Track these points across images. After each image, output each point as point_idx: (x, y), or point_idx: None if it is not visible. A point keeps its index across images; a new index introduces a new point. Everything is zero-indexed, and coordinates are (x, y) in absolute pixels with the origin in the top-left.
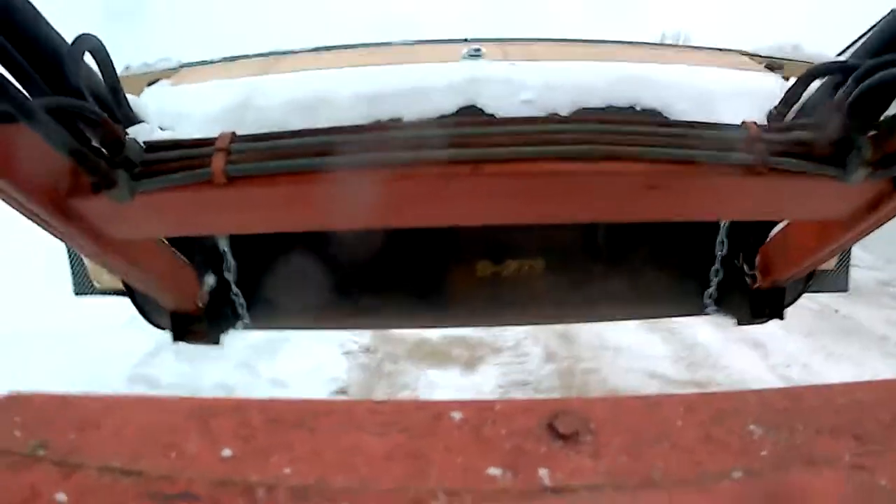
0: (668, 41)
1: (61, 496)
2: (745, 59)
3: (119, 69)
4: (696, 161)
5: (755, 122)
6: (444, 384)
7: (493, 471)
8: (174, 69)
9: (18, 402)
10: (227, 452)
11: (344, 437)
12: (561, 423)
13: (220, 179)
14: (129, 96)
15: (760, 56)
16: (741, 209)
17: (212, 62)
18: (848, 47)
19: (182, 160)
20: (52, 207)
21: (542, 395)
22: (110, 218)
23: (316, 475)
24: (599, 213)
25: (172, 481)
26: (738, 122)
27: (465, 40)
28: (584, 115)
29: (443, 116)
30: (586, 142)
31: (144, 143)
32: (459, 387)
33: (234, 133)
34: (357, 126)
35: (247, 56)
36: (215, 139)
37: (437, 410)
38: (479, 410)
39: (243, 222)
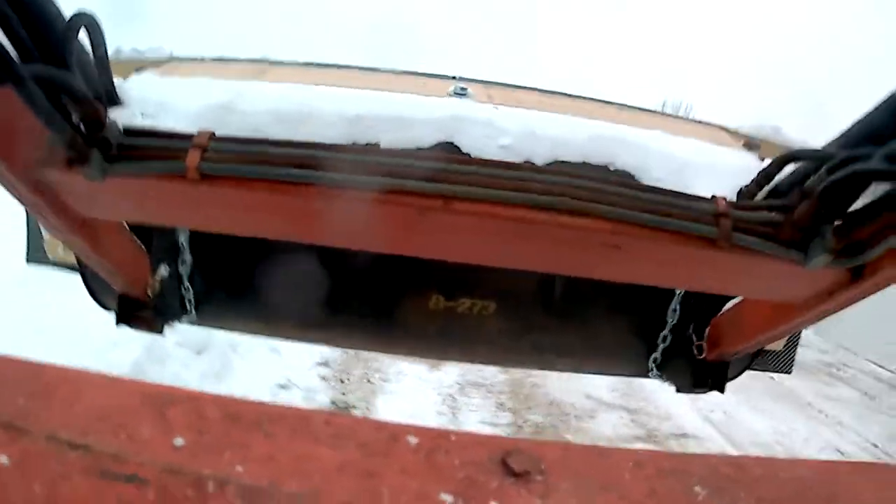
0: (669, 110)
1: (3, 458)
2: (724, 134)
3: (110, 52)
4: (661, 228)
5: (724, 198)
6: (411, 374)
7: (445, 497)
8: (164, 60)
9: None
10: (179, 441)
11: (299, 444)
12: (514, 461)
13: (193, 175)
14: (115, 79)
15: (740, 133)
16: (699, 281)
17: (202, 59)
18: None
19: (158, 150)
20: (24, 175)
21: (492, 395)
22: (79, 195)
23: (268, 478)
24: (560, 265)
25: (121, 461)
26: (709, 195)
27: (454, 78)
28: (559, 168)
29: (419, 148)
30: (557, 193)
31: (124, 127)
32: (424, 378)
33: (213, 132)
34: (336, 145)
35: (238, 60)
36: (194, 135)
37: (392, 432)
38: (434, 437)
39: (209, 221)
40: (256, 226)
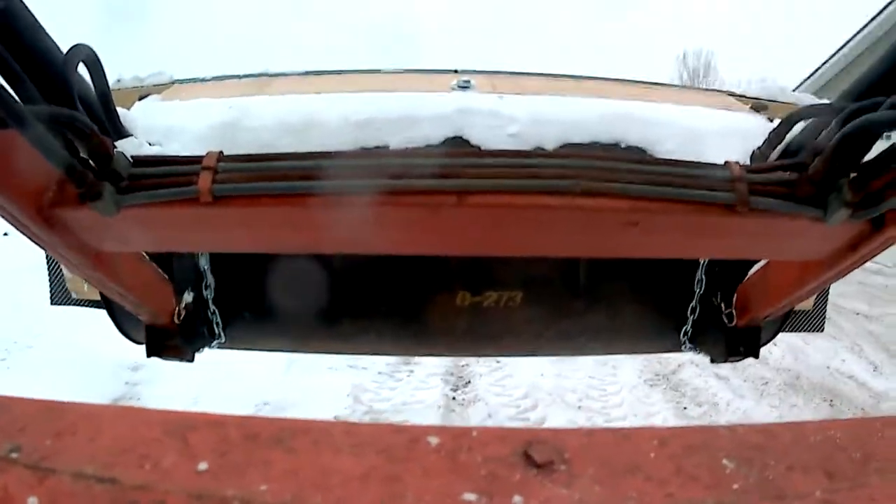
0: (691, 59)
1: (33, 500)
2: (732, 99)
3: (111, 81)
4: (678, 199)
5: (738, 162)
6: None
7: (469, 496)
8: (166, 84)
9: None
10: (203, 466)
11: (320, 456)
12: (536, 452)
13: (206, 198)
14: (119, 109)
15: (747, 97)
16: (721, 248)
17: (203, 80)
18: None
19: (169, 176)
20: (37, 216)
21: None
22: (94, 230)
23: (292, 493)
24: (580, 248)
25: (147, 491)
26: (722, 161)
27: (456, 71)
28: (569, 150)
29: (429, 146)
30: (569, 176)
31: (132, 157)
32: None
33: (221, 152)
34: (345, 152)
35: (238, 76)
36: (202, 157)
37: (413, 435)
38: (455, 436)
39: (227, 241)
40: (273, 242)
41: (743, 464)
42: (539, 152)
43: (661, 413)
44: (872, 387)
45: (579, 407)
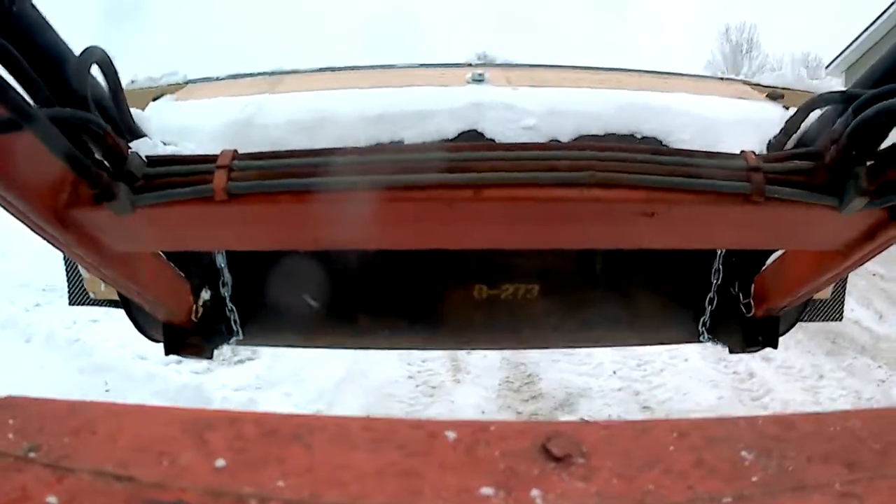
0: (733, 33)
1: (52, 499)
2: (747, 88)
3: (125, 82)
4: (694, 189)
5: (753, 152)
6: None
7: (486, 490)
8: (179, 84)
9: (14, 406)
10: (220, 463)
11: (337, 452)
12: (554, 446)
13: (221, 196)
14: (133, 110)
15: (762, 85)
16: (738, 238)
17: (217, 79)
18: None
19: (184, 175)
20: (52, 217)
21: None
22: (110, 229)
23: (308, 489)
24: (597, 239)
25: (164, 488)
26: (738, 151)
27: (470, 65)
28: (585, 143)
29: (444, 140)
30: (584, 168)
31: (147, 157)
32: None
33: (235, 150)
34: (359, 147)
35: (251, 74)
36: (217, 156)
37: (431, 429)
38: (473, 431)
39: (243, 239)
40: (288, 239)
41: (762, 455)
42: (554, 144)
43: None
44: (875, 330)
45: None
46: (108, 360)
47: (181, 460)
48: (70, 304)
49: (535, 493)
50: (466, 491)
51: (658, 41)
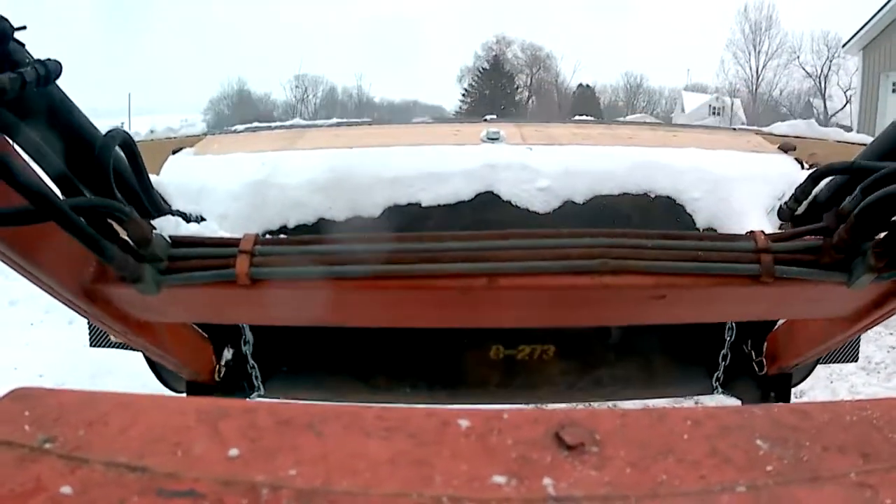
0: (752, 14)
1: (66, 489)
2: (759, 139)
3: (144, 133)
4: (704, 273)
5: (762, 232)
6: None
7: (498, 479)
8: (198, 136)
9: (30, 398)
10: (233, 452)
11: (350, 441)
12: (567, 434)
13: (244, 281)
14: (150, 176)
15: (774, 135)
16: (747, 313)
17: (235, 131)
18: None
19: (207, 258)
20: (80, 292)
21: None
22: (135, 305)
23: (321, 478)
24: (609, 319)
25: (178, 478)
26: (751, 205)
27: (485, 120)
28: (595, 230)
29: (460, 202)
30: (597, 256)
31: (170, 237)
32: None
33: (257, 235)
34: (377, 235)
35: (270, 127)
36: (240, 240)
37: (444, 418)
38: (486, 419)
39: (265, 318)
40: (310, 319)
41: (777, 444)
42: (566, 231)
43: None
44: None
45: None
46: None
47: (195, 450)
48: (91, 345)
49: (547, 481)
50: (478, 479)
51: (679, 21)
